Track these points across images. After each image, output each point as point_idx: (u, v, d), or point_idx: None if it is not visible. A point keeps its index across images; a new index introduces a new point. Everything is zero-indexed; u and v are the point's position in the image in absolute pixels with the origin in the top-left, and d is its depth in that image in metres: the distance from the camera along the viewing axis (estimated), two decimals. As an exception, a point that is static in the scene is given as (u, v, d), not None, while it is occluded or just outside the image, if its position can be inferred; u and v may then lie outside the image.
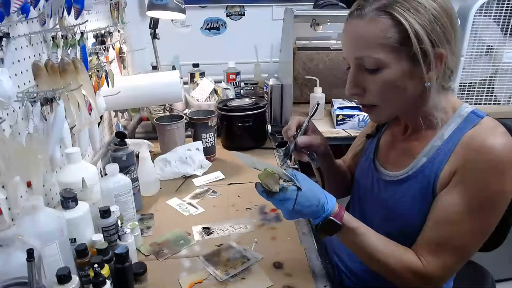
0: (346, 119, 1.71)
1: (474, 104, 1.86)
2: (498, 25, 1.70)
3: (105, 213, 0.85)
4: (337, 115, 1.71)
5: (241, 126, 1.56)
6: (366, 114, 0.90)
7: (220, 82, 1.96)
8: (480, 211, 0.72)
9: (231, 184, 1.32)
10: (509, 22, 1.69)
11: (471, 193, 0.72)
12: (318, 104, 1.00)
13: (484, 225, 0.74)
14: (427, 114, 0.79)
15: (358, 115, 1.69)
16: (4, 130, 0.75)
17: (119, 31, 1.64)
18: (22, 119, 0.82)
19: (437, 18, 0.70)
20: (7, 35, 0.73)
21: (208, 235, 1.03)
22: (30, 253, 0.58)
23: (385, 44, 0.71)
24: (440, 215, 0.75)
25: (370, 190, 0.92)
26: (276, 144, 0.90)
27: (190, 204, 1.20)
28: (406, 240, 0.80)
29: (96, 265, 0.71)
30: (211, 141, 1.49)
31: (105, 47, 1.32)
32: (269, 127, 1.69)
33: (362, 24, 0.73)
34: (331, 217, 0.75)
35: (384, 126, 0.98)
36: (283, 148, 0.91)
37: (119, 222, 0.88)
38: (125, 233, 0.87)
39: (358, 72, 0.77)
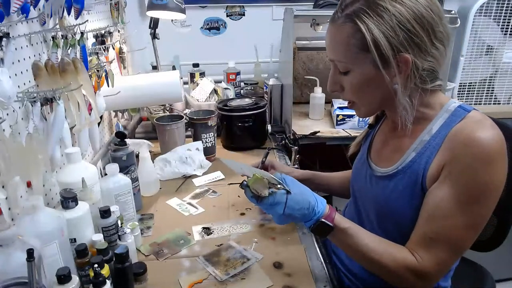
0: (346, 119, 1.71)
1: (474, 104, 1.86)
2: (498, 25, 1.71)
3: (105, 213, 0.85)
4: (337, 115, 1.71)
5: (241, 126, 1.56)
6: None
7: (220, 82, 1.96)
8: (471, 203, 0.72)
9: (231, 184, 1.32)
10: (509, 22, 1.69)
11: (460, 186, 0.72)
12: (268, 151, 1.12)
13: (476, 218, 0.74)
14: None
15: (358, 115, 1.69)
16: (4, 130, 0.75)
17: (119, 31, 1.64)
18: (22, 119, 0.82)
19: (402, 23, 0.71)
20: (7, 35, 0.73)
21: (208, 235, 1.03)
22: (30, 253, 0.58)
23: (349, 50, 0.75)
24: (432, 210, 0.75)
25: (364, 188, 0.93)
26: (240, 184, 0.82)
27: (190, 204, 1.20)
28: (403, 236, 0.80)
29: (96, 265, 0.71)
30: (211, 141, 1.49)
31: (105, 47, 1.32)
32: (269, 127, 1.69)
33: (334, 29, 0.78)
34: (323, 219, 0.76)
35: (382, 119, 0.99)
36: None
37: (119, 222, 0.88)
38: (125, 233, 0.87)
39: (336, 71, 0.82)
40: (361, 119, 1.69)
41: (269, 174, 0.75)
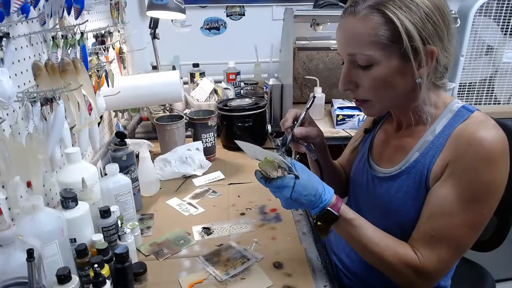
0: (346, 119, 1.71)
1: (474, 104, 1.86)
2: (498, 25, 1.70)
3: (105, 213, 0.85)
4: (337, 115, 1.71)
5: (241, 126, 1.57)
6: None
7: (220, 82, 1.96)
8: (473, 202, 0.73)
9: (231, 184, 1.32)
10: (509, 22, 1.69)
11: (463, 185, 0.72)
12: (314, 97, 1.03)
13: (477, 217, 0.74)
14: (417, 110, 0.80)
15: (358, 115, 1.69)
16: (4, 130, 0.75)
17: (119, 31, 1.64)
18: (22, 119, 0.82)
19: (429, 15, 0.71)
20: (7, 35, 0.73)
21: (208, 235, 1.03)
22: (30, 253, 0.58)
23: (377, 42, 0.73)
24: (434, 208, 0.76)
25: (365, 188, 0.93)
26: (274, 134, 0.91)
27: (190, 204, 1.20)
28: (405, 236, 0.80)
29: (96, 265, 0.71)
30: (211, 141, 1.49)
31: (105, 47, 1.32)
32: (269, 127, 1.69)
33: (355, 21, 0.74)
34: (328, 208, 0.77)
35: (381, 120, 0.99)
36: (280, 138, 0.93)
37: (119, 222, 0.88)
38: (125, 233, 0.87)
39: (351, 67, 0.79)
40: (361, 119, 1.69)
41: (280, 158, 0.76)
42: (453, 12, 1.59)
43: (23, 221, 0.70)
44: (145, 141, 1.42)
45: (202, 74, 1.98)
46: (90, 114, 1.02)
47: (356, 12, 0.74)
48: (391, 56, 0.73)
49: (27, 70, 0.86)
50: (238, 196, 1.24)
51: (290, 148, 0.95)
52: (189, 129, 1.51)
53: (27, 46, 0.87)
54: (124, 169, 1.07)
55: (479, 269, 1.19)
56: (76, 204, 0.80)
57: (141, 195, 1.20)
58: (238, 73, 2.05)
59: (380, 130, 0.98)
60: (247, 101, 1.63)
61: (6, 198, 0.77)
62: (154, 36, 1.86)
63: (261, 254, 0.94)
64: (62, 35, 0.95)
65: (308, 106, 0.95)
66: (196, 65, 2.01)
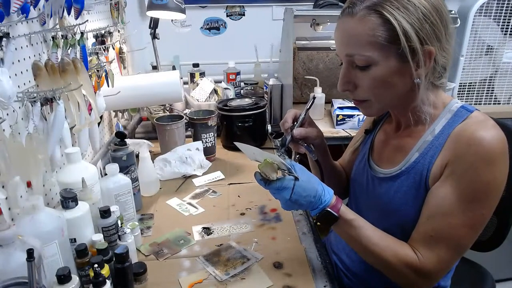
0: (346, 119, 1.71)
1: (474, 104, 1.86)
2: (498, 25, 1.71)
3: (105, 213, 0.85)
4: (337, 115, 1.71)
5: (241, 126, 1.57)
6: (365, 114, 0.92)
7: (220, 82, 1.96)
8: (472, 202, 0.73)
9: (231, 184, 1.32)
10: (509, 22, 1.69)
11: (462, 185, 0.72)
12: (314, 98, 1.03)
13: (477, 217, 0.74)
14: (416, 110, 0.80)
15: (358, 115, 1.69)
16: (4, 130, 0.75)
17: (119, 31, 1.64)
18: (22, 119, 0.82)
19: (427, 16, 0.71)
20: (7, 35, 0.73)
21: (208, 235, 1.03)
22: (30, 253, 0.58)
23: (374, 42, 0.73)
24: (433, 208, 0.76)
25: (365, 189, 0.93)
26: (273, 135, 0.91)
27: (190, 204, 1.20)
28: (405, 236, 0.80)
29: (96, 265, 0.71)
30: (211, 141, 1.49)
31: (105, 47, 1.32)
32: (269, 127, 1.69)
33: (353, 22, 0.74)
34: (328, 209, 0.77)
35: (381, 121, 0.99)
36: (280, 139, 0.93)
37: (119, 222, 0.88)
38: (125, 233, 0.87)
39: (350, 68, 0.79)
40: (361, 119, 1.69)
41: (280, 160, 0.76)
42: (453, 12, 1.59)
43: (23, 221, 0.70)
44: (145, 141, 1.42)
45: (202, 74, 1.98)
46: (90, 114, 1.02)
47: (354, 13, 0.74)
48: (389, 56, 0.73)
49: (27, 70, 0.86)
50: (238, 196, 1.24)
51: (290, 149, 0.95)
52: (189, 129, 1.51)
53: (27, 46, 0.87)
54: (124, 169, 1.07)
55: (479, 269, 1.19)
56: (76, 204, 0.80)
57: (141, 195, 1.20)
58: (238, 73, 2.05)
59: (380, 130, 0.98)
60: (247, 101, 1.63)
61: (6, 198, 0.77)
62: (154, 36, 1.86)
63: (261, 254, 0.94)
64: (62, 35, 0.95)
65: (308, 107, 0.95)
66: (196, 65, 2.01)
